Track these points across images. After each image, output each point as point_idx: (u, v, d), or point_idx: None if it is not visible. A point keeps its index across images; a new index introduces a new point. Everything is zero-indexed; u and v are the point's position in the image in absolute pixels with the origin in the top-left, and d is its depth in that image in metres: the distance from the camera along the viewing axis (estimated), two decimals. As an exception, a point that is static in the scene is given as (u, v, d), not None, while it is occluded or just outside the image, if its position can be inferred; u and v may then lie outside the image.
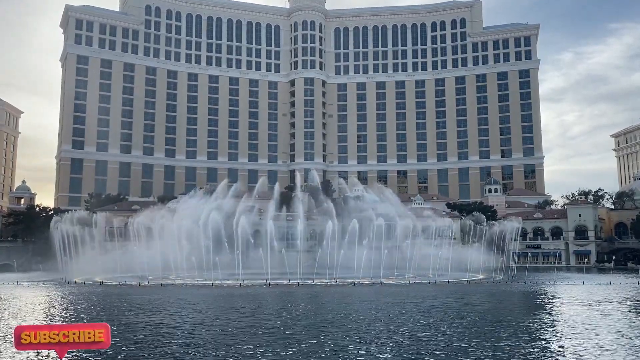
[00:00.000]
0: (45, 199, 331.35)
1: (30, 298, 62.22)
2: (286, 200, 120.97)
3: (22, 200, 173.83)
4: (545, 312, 50.55)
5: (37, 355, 28.30)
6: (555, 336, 36.11)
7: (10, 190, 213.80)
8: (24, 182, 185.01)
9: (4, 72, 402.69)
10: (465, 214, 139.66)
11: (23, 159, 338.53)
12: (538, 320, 44.18)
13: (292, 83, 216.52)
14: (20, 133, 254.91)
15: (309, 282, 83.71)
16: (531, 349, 31.02)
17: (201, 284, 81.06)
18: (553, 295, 66.91)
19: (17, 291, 71.29)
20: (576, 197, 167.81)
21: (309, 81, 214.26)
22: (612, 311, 49.40)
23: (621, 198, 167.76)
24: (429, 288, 78.07)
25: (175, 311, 50.20)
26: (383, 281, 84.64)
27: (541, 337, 35.82)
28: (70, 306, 53.81)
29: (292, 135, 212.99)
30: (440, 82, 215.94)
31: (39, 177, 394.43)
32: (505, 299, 63.64)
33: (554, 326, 40.89)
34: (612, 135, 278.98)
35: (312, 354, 29.44)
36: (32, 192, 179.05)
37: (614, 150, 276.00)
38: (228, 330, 37.85)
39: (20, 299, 60.86)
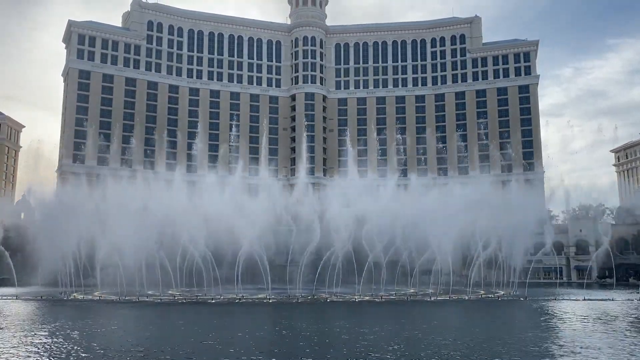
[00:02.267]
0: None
1: (25, 315, 61.98)
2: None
3: (22, 214, 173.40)
4: (551, 330, 50.21)
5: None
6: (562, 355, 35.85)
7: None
8: (24, 196, 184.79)
9: (6, 86, 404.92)
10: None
11: (24, 173, 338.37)
12: (545, 339, 43.87)
13: (293, 98, 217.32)
14: (21, 147, 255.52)
15: (309, 297, 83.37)
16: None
17: (200, 301, 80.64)
18: (556, 312, 66.54)
19: (13, 307, 71.03)
20: (577, 212, 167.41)
21: (310, 96, 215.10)
22: (615, 328, 49.10)
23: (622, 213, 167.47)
24: (428, 306, 77.74)
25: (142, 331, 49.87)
26: (384, 297, 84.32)
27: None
28: (56, 323, 53.45)
29: (293, 150, 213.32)
30: (440, 98, 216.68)
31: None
32: (510, 317, 63.24)
33: (560, 344, 40.58)
34: (612, 151, 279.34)
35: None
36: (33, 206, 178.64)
37: (615, 165, 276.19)
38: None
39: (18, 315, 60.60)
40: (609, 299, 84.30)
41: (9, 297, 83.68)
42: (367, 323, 53.68)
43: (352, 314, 64.52)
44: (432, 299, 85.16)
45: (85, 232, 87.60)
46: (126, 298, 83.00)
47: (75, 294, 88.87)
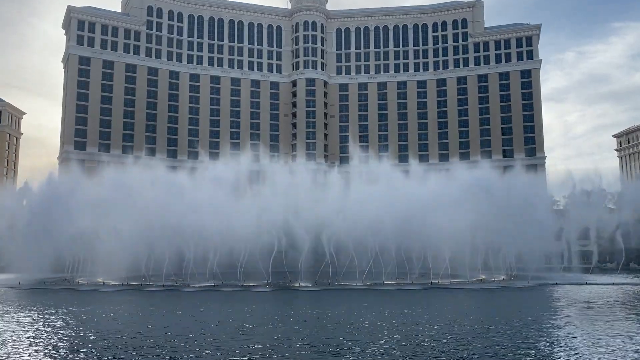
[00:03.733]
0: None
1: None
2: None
3: (24, 200, 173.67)
4: (554, 315, 50.43)
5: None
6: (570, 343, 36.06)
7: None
8: (26, 183, 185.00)
9: (6, 73, 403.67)
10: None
11: (25, 160, 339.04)
12: (554, 326, 44.10)
13: (294, 84, 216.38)
14: (22, 134, 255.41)
15: (309, 284, 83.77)
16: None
17: (202, 287, 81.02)
18: (560, 297, 66.84)
19: (19, 295, 71.44)
20: (578, 197, 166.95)
21: (311, 82, 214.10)
22: (618, 312, 49.36)
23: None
24: (430, 292, 78.03)
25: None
26: (385, 282, 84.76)
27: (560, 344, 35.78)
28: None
29: (294, 136, 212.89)
30: (441, 83, 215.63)
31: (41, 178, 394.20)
32: (515, 303, 63.49)
33: (566, 330, 40.81)
34: (614, 136, 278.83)
35: None
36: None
37: (616, 150, 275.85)
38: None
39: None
40: (611, 284, 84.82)
41: (11, 286, 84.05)
42: (376, 311, 53.99)
43: (355, 301, 64.90)
44: (433, 281, 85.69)
45: (91, 219, 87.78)
46: (129, 284, 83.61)
47: (78, 280, 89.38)
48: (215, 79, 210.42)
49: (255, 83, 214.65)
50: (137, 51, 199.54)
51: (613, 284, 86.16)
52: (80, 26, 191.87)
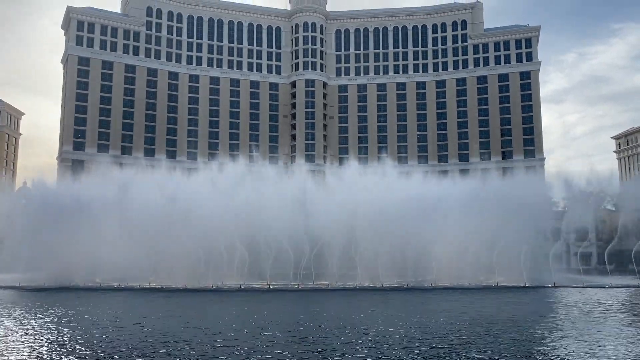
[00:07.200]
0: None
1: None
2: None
3: (23, 201, 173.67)
4: (552, 319, 50.48)
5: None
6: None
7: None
8: (25, 183, 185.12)
9: (5, 73, 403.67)
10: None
11: (24, 160, 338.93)
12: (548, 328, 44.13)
13: (293, 85, 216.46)
14: (21, 134, 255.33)
15: (310, 284, 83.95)
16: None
17: (200, 288, 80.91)
18: (558, 299, 66.92)
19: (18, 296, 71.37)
20: (577, 199, 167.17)
21: (310, 83, 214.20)
22: (614, 314, 49.41)
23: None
24: (430, 294, 78.06)
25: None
26: (385, 284, 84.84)
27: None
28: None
29: (293, 137, 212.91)
30: (441, 84, 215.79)
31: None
32: (512, 304, 63.54)
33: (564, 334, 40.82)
34: (613, 137, 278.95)
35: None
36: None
37: (615, 152, 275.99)
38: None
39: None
40: (609, 286, 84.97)
41: (10, 287, 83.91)
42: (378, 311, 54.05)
43: (354, 302, 64.98)
44: (432, 285, 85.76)
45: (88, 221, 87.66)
46: (128, 285, 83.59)
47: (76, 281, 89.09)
48: (215, 80, 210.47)
49: (254, 84, 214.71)
50: (136, 52, 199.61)
51: (610, 286, 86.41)
52: (80, 27, 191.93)
